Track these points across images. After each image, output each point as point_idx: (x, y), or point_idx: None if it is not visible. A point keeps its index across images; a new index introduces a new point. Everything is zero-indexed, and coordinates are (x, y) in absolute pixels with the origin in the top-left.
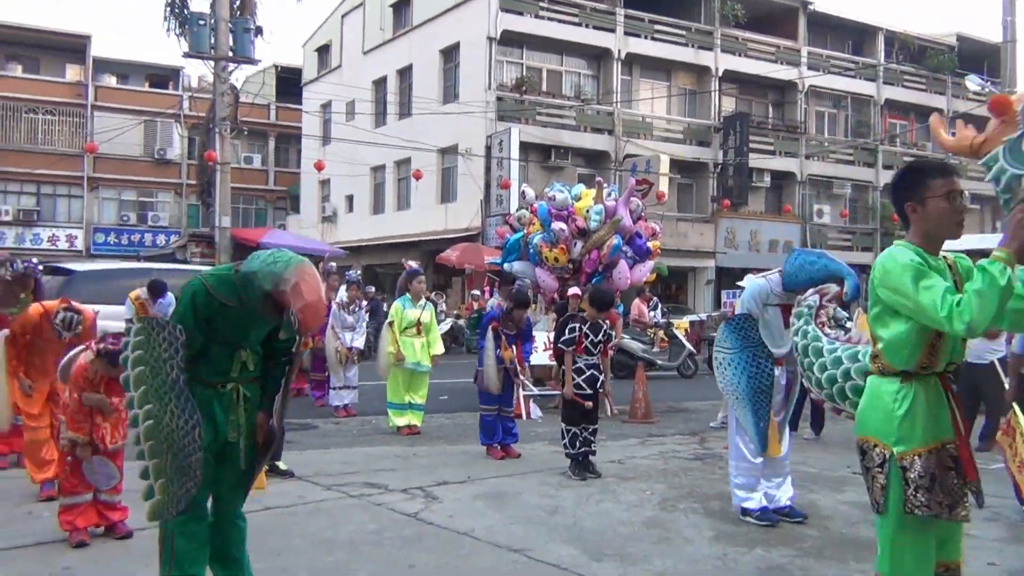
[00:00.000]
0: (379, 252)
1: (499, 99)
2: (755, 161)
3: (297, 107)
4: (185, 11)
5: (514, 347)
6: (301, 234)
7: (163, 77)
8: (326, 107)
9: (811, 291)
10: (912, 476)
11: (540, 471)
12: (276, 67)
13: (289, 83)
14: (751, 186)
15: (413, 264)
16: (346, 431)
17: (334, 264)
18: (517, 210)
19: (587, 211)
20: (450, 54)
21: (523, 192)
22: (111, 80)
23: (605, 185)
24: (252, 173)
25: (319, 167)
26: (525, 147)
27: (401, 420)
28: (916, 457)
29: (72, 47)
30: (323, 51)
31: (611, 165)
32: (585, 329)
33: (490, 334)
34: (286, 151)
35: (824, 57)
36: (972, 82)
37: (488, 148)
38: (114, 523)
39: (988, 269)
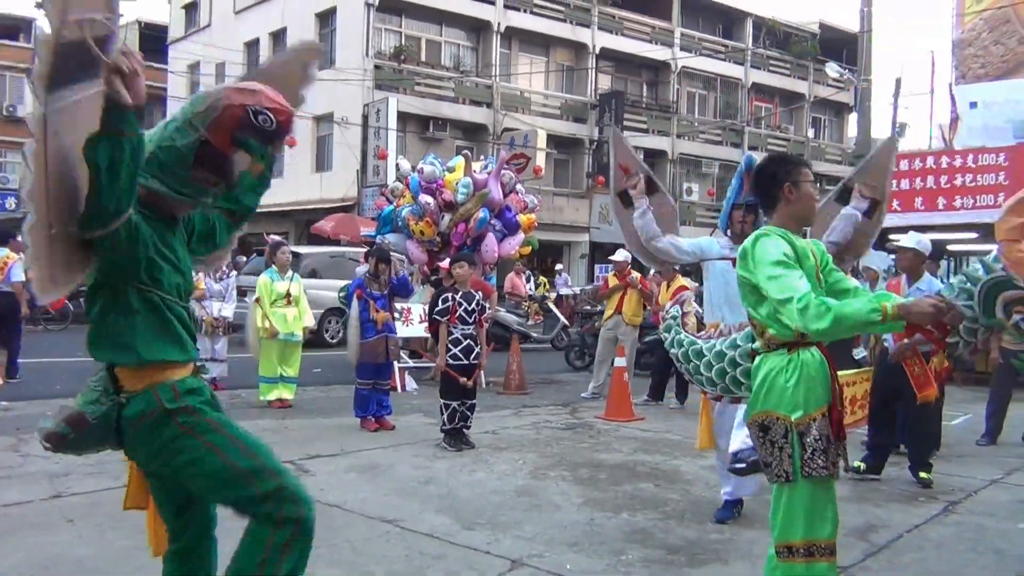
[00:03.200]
0: (251, 221)
1: (377, 67)
2: (629, 139)
3: (162, 67)
4: None
5: (388, 311)
6: None
7: (12, 28)
8: (194, 68)
9: (670, 303)
10: (809, 440)
11: (414, 443)
12: (139, 23)
13: (153, 40)
14: None
15: (276, 236)
16: None
17: None
18: (392, 182)
19: (455, 184)
20: (326, 19)
21: (397, 165)
22: None
23: (481, 158)
24: None
25: None
26: (403, 117)
27: (272, 394)
28: (811, 422)
29: None
30: (191, 8)
31: (489, 138)
32: (458, 298)
33: (355, 303)
34: (151, 113)
35: (696, 39)
36: (832, 69)
37: (365, 117)
38: None
39: (874, 304)
